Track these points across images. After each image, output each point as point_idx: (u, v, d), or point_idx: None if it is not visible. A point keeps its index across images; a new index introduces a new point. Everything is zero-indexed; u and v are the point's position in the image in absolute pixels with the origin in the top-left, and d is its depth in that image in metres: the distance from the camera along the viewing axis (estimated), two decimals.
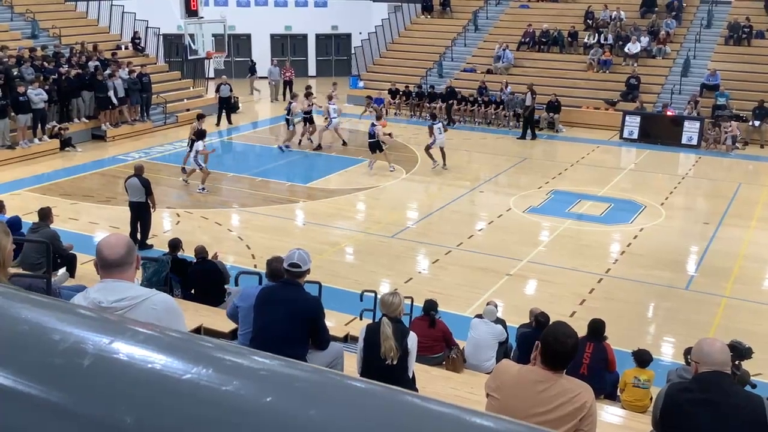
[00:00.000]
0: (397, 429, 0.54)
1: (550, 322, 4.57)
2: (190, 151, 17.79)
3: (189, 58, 26.83)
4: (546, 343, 3.65)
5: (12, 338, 0.65)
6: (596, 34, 28.28)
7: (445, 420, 0.55)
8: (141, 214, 13.53)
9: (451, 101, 26.12)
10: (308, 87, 23.76)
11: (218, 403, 0.56)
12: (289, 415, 0.55)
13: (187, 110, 25.31)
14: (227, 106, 25.30)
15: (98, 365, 0.61)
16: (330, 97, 22.45)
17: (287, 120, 21.73)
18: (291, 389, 0.58)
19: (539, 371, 3.67)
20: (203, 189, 17.22)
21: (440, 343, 8.82)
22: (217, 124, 24.74)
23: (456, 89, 26.74)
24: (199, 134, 17.40)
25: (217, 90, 25.37)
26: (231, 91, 25.54)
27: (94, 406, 0.58)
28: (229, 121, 25.24)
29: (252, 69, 32.08)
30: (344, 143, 22.11)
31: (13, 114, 19.41)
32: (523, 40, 29.18)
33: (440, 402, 0.56)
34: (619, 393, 8.40)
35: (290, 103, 22.35)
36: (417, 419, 0.56)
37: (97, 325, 0.67)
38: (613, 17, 28.91)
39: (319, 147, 21.77)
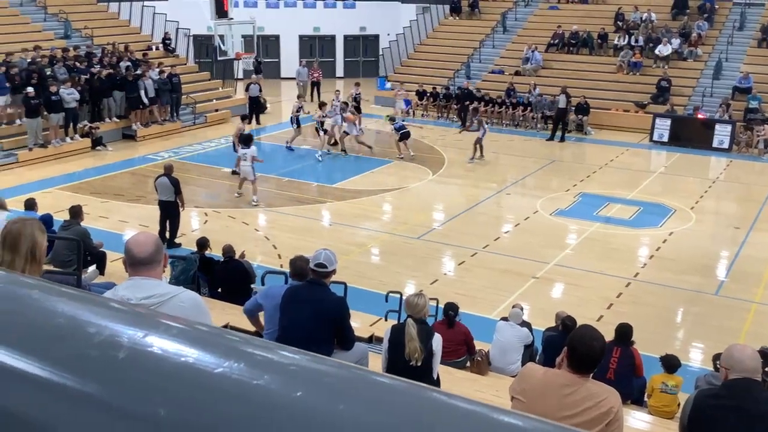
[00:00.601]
0: (425, 425, 0.55)
1: (577, 326, 4.54)
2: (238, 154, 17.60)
3: (218, 58, 27.06)
4: (572, 347, 3.61)
5: (49, 330, 0.67)
6: (626, 36, 28.01)
7: (473, 417, 0.56)
8: (170, 213, 13.69)
9: (466, 102, 25.96)
10: (336, 92, 23.65)
11: (249, 397, 0.57)
12: (319, 410, 0.56)
13: (216, 110, 25.54)
14: (256, 105, 25.43)
15: (133, 358, 0.62)
16: (321, 105, 22.13)
17: (294, 119, 21.72)
18: (320, 384, 0.59)
19: (565, 375, 3.64)
20: (256, 201, 16.63)
21: (462, 347, 8.72)
22: (249, 123, 24.91)
23: (478, 91, 26.65)
24: (246, 140, 16.84)
25: (247, 89, 25.52)
26: (260, 90, 25.67)
27: (128, 397, 0.60)
28: (258, 122, 25.38)
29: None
30: (369, 147, 21.69)
31: (45, 113, 19.71)
32: (552, 41, 28.99)
33: (468, 399, 0.57)
34: (646, 398, 8.31)
35: (299, 107, 22.12)
36: (444, 416, 0.56)
37: (131, 319, 0.69)
38: (643, 19, 28.61)
39: (334, 144, 21.81)
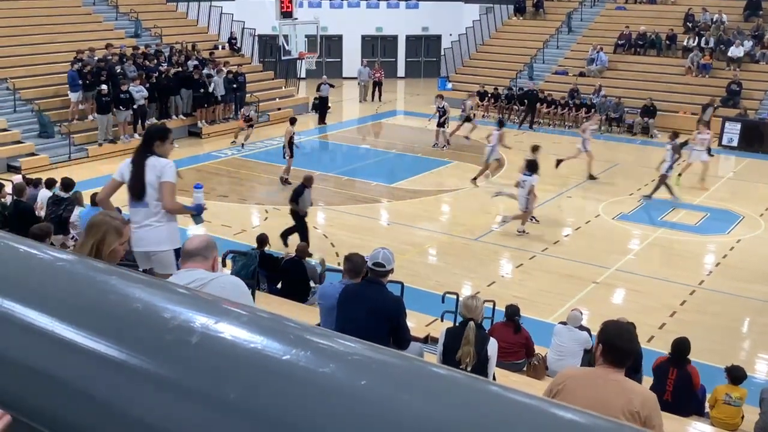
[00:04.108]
0: (486, 416, 0.56)
1: (630, 330, 4.45)
2: (290, 157, 17.58)
3: (282, 58, 27.41)
4: (603, 341, 3.66)
5: (127, 315, 0.71)
6: (696, 38, 27.25)
7: (533, 410, 0.57)
8: (294, 221, 13.50)
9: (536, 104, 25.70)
10: (438, 98, 22.58)
11: (316, 384, 0.59)
12: (384, 399, 0.58)
13: (278, 109, 25.89)
14: (324, 105, 25.44)
15: (205, 343, 0.65)
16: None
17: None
18: (384, 374, 0.61)
19: (597, 370, 3.69)
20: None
21: (522, 350, 8.72)
22: (321, 122, 25.13)
23: (541, 92, 26.34)
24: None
25: (318, 89, 25.58)
26: (332, 88, 25.81)
27: (200, 380, 0.63)
28: (323, 121, 25.42)
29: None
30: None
31: (114, 109, 20.32)
32: (618, 42, 28.43)
33: (527, 394, 0.58)
34: (708, 409, 8.07)
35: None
36: (505, 407, 0.57)
37: (203, 305, 0.72)
38: (714, 20, 27.79)
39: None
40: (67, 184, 11.78)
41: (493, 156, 18.23)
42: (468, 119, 22.28)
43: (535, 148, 15.99)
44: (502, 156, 18.61)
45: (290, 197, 13.37)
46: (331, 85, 26.16)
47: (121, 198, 6.33)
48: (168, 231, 5.81)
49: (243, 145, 21.55)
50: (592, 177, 18.83)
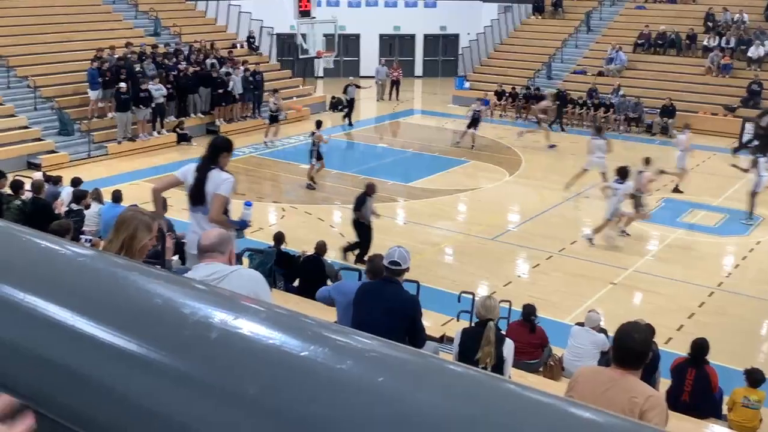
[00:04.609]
0: (504, 413, 0.56)
1: (647, 332, 4.42)
2: (318, 159, 17.41)
3: (300, 57, 27.47)
4: (614, 343, 3.64)
5: (147, 310, 0.72)
6: (717, 37, 26.99)
7: (551, 408, 0.57)
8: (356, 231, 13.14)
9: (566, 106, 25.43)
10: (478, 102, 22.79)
11: (334, 380, 0.60)
12: (402, 395, 0.58)
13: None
14: (351, 107, 25.16)
15: (223, 338, 0.66)
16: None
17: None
18: (401, 371, 0.61)
19: (608, 371, 3.67)
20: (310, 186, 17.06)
21: (538, 350, 8.70)
22: (350, 124, 24.89)
23: (560, 91, 26.19)
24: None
25: (345, 91, 25.21)
26: (358, 89, 25.65)
27: (219, 375, 0.63)
28: (350, 123, 25.05)
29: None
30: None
31: (134, 108, 20.47)
32: (638, 41, 28.23)
33: (546, 393, 0.58)
34: (726, 412, 8.00)
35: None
36: (524, 405, 0.57)
37: (222, 301, 0.73)
38: (735, 20, 27.51)
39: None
40: (79, 196, 11.81)
41: (600, 166, 17.15)
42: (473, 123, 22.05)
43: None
44: (606, 166, 16.97)
45: (353, 206, 13.01)
46: (358, 86, 26.04)
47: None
48: None
49: (266, 143, 21.49)
50: (677, 190, 17.89)
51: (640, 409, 3.46)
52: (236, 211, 6.63)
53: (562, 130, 24.68)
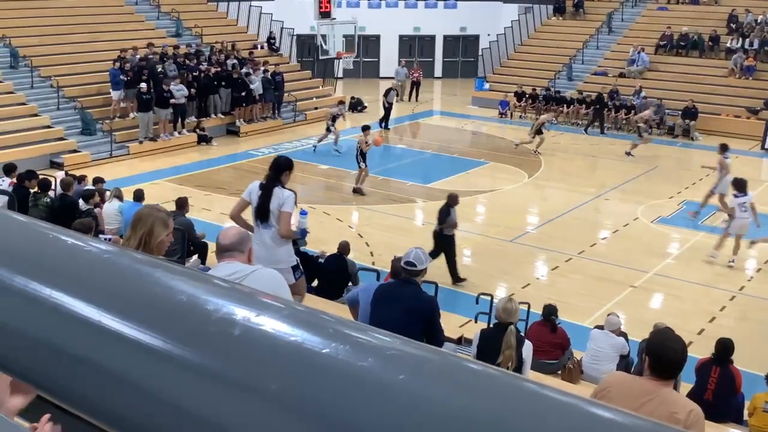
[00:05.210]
0: (526, 413, 0.57)
1: (682, 341, 4.38)
2: (364, 165, 17.37)
3: (320, 58, 27.56)
4: (653, 354, 3.52)
5: (172, 307, 0.73)
6: (740, 39, 26.72)
7: (574, 408, 0.57)
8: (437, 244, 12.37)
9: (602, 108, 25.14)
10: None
11: (356, 378, 0.60)
12: (424, 394, 0.59)
13: (315, 108, 26.03)
14: (389, 112, 24.93)
15: (247, 335, 0.67)
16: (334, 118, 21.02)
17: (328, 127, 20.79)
18: (422, 369, 0.62)
19: (644, 382, 3.56)
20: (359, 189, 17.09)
21: (558, 350, 8.67)
22: (386, 127, 24.74)
23: (579, 93, 26.06)
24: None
25: (386, 95, 24.99)
26: (398, 95, 25.46)
27: (242, 371, 0.64)
28: (387, 127, 24.74)
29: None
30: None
31: (155, 108, 20.65)
32: (660, 43, 28.02)
33: (569, 393, 0.58)
34: (747, 417, 7.92)
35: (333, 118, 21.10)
36: (545, 405, 0.58)
37: (244, 298, 0.74)
38: (758, 21, 27.22)
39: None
40: (87, 195, 11.81)
41: (721, 187, 15.53)
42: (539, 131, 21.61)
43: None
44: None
45: (437, 219, 12.34)
46: (397, 93, 25.87)
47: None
48: (286, 251, 6.89)
49: (315, 147, 21.31)
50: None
51: (683, 425, 3.38)
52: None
53: (602, 133, 24.47)
